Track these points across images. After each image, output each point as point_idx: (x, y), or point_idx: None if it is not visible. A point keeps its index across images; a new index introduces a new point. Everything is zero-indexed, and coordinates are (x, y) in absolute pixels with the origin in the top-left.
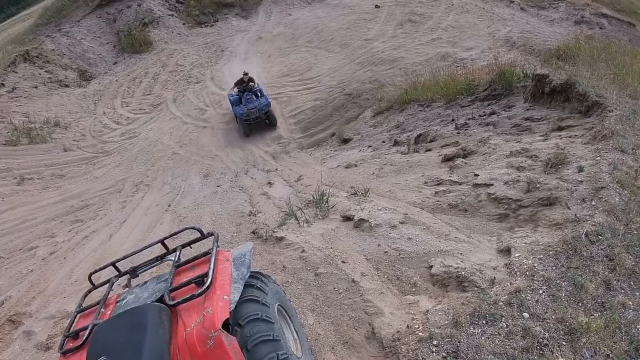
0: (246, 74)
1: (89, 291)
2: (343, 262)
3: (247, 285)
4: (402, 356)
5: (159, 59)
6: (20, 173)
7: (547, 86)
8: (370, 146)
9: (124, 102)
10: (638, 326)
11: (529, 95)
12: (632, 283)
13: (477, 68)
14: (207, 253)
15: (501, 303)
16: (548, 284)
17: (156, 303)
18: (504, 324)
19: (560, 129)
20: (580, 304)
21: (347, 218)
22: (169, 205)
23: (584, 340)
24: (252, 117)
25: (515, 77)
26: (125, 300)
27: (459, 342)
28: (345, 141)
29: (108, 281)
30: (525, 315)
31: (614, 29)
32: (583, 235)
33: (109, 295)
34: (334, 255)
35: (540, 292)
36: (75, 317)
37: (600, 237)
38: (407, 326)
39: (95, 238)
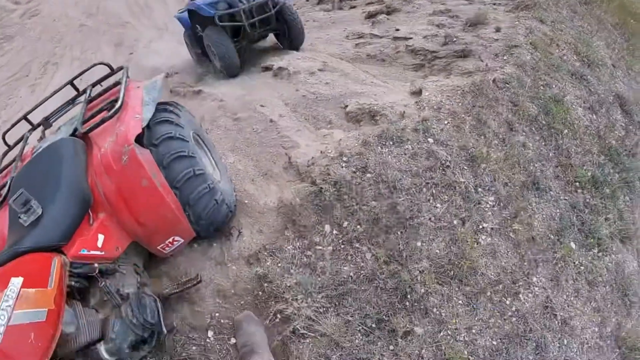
0: None
1: (5, 153)
2: (261, 106)
3: (160, 110)
4: (314, 176)
5: None
6: None
7: None
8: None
9: None
10: (536, 165)
11: None
12: (533, 129)
13: None
14: (118, 84)
15: (408, 130)
16: (453, 116)
17: (69, 137)
18: (409, 146)
19: None
20: (482, 137)
21: (267, 68)
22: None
23: (484, 166)
24: (247, 13)
25: None
26: (40, 149)
27: (367, 160)
28: None
29: (22, 137)
30: (430, 140)
31: None
32: (491, 81)
33: (25, 151)
34: (252, 101)
35: (445, 122)
36: None
37: (507, 85)
38: (321, 152)
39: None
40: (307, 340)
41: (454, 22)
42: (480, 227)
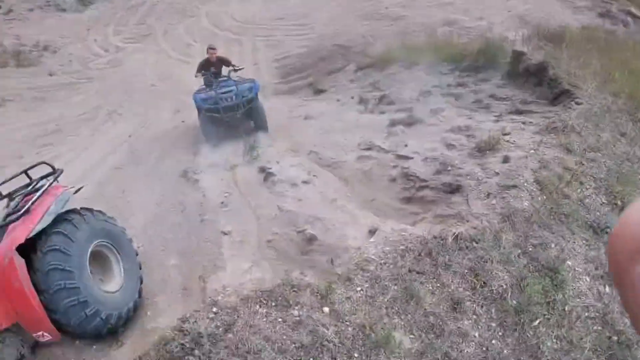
0: (213, 49)
1: None
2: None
3: (61, 220)
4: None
5: None
6: (2, 95)
7: (522, 65)
8: (338, 100)
9: (116, 30)
10: None
11: (506, 73)
12: (491, 312)
13: (475, 38)
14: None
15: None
16: (373, 282)
17: None
18: (295, 312)
19: (519, 112)
20: (399, 317)
21: (262, 170)
22: (129, 136)
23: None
24: (224, 106)
25: (501, 52)
26: None
27: (237, 317)
28: (319, 92)
29: None
30: (325, 309)
31: (638, 30)
32: (450, 237)
33: None
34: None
35: (359, 289)
36: None
37: (474, 243)
38: (239, 283)
39: (56, 162)
40: None
41: (467, 143)
42: None
